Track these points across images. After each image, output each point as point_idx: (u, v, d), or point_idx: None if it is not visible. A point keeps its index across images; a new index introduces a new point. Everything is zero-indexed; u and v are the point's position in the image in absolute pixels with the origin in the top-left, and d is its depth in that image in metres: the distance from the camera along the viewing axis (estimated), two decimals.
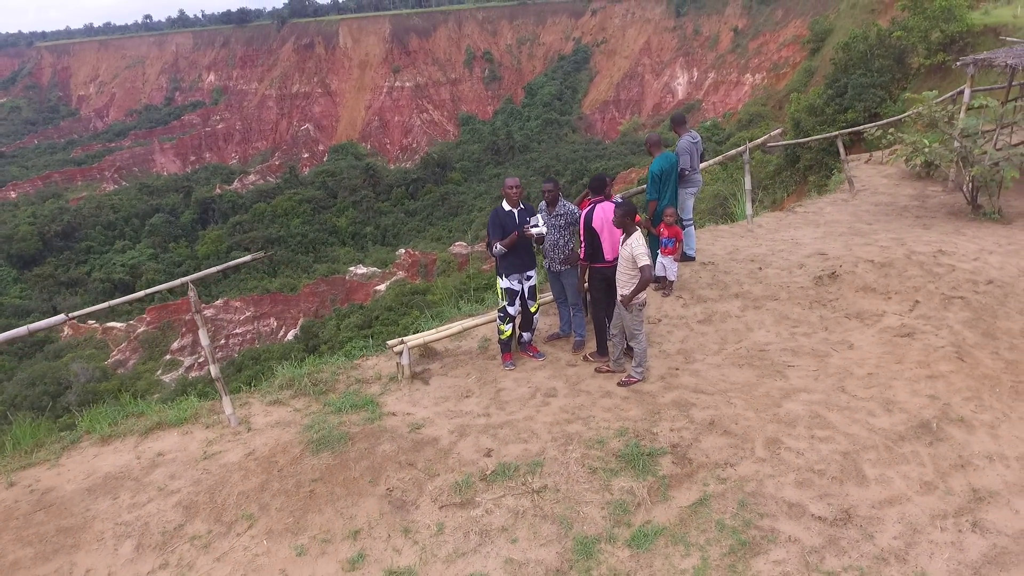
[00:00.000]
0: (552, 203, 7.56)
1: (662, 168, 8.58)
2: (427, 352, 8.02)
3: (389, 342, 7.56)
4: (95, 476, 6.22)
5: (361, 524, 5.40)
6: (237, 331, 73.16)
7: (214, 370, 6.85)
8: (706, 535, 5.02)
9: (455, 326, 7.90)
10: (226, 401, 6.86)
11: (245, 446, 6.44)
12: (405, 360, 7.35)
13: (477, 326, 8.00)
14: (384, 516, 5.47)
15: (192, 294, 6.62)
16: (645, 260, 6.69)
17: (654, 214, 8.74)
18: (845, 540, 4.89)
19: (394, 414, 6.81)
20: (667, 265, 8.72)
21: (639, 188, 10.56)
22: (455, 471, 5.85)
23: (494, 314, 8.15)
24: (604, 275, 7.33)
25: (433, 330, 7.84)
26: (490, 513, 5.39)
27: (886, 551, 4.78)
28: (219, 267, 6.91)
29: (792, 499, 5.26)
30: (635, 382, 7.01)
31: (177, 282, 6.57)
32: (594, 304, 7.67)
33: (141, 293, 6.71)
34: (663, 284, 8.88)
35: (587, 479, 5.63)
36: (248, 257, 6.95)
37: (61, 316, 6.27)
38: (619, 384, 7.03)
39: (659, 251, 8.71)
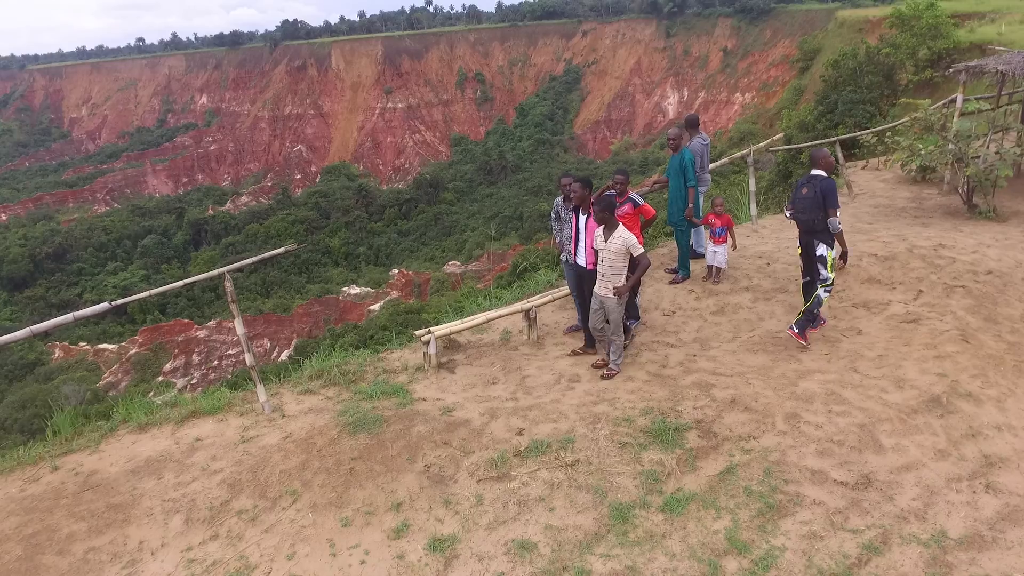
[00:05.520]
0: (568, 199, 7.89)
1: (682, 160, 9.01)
2: (451, 344, 8.28)
3: (417, 332, 7.83)
4: (137, 460, 6.41)
5: (403, 497, 5.62)
6: (230, 352, 72.86)
7: (249, 359, 7.07)
8: (735, 500, 5.28)
9: (479, 318, 8.18)
10: (260, 389, 7.09)
11: (281, 430, 6.65)
12: (432, 349, 7.61)
13: (500, 317, 8.27)
14: (424, 490, 5.70)
15: (228, 284, 6.84)
16: (641, 248, 7.07)
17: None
18: (867, 502, 5.17)
19: (424, 399, 7.06)
20: (719, 252, 9.08)
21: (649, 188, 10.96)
22: (489, 448, 6.09)
23: (516, 307, 8.45)
24: None
25: (458, 321, 8.12)
26: (526, 485, 5.63)
27: (906, 511, 5.06)
28: (254, 258, 7.17)
29: (814, 467, 5.54)
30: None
31: (215, 272, 6.80)
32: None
33: (180, 283, 6.94)
34: (711, 273, 9.27)
35: (617, 453, 5.89)
36: (282, 249, 7.21)
37: (104, 304, 6.49)
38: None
39: (711, 240, 9.11)
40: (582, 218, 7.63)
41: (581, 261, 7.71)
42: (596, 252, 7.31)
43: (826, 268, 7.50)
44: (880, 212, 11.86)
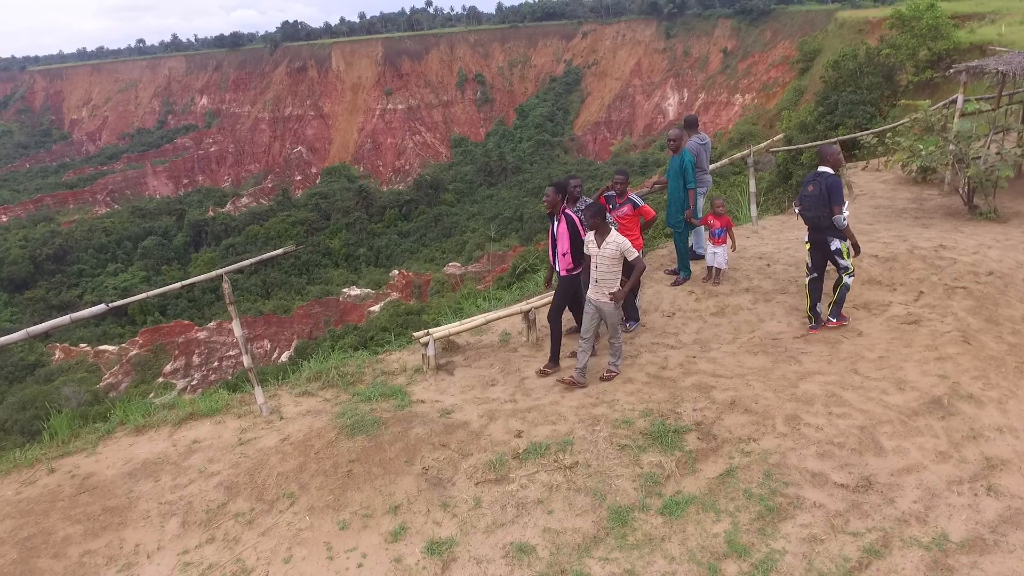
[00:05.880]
0: (575, 199, 7.84)
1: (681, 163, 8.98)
2: (449, 346, 8.25)
3: (415, 333, 7.81)
4: (134, 462, 6.39)
5: (400, 500, 5.60)
6: (231, 353, 72.81)
7: (247, 360, 7.06)
8: (735, 503, 5.25)
9: (477, 319, 8.15)
10: (258, 391, 7.06)
11: (279, 432, 6.63)
12: (431, 351, 7.58)
13: (499, 319, 8.24)
14: (422, 493, 5.67)
15: (226, 286, 6.81)
16: (636, 252, 6.98)
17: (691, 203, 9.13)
18: (867, 504, 5.13)
19: (423, 401, 7.03)
20: (718, 253, 9.06)
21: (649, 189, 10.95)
22: (488, 451, 6.06)
23: (515, 308, 8.42)
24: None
25: (457, 323, 8.09)
26: (525, 488, 5.60)
27: (907, 513, 5.03)
28: (252, 260, 7.15)
29: (815, 469, 5.51)
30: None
31: (213, 274, 6.78)
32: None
33: (178, 284, 6.92)
34: (711, 274, 9.23)
35: (617, 455, 5.86)
36: (280, 251, 7.19)
37: (102, 306, 6.48)
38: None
39: (710, 241, 9.12)
40: (554, 224, 7.43)
41: (557, 266, 7.54)
42: (588, 257, 7.15)
43: (843, 258, 7.75)
44: (880, 213, 11.83)
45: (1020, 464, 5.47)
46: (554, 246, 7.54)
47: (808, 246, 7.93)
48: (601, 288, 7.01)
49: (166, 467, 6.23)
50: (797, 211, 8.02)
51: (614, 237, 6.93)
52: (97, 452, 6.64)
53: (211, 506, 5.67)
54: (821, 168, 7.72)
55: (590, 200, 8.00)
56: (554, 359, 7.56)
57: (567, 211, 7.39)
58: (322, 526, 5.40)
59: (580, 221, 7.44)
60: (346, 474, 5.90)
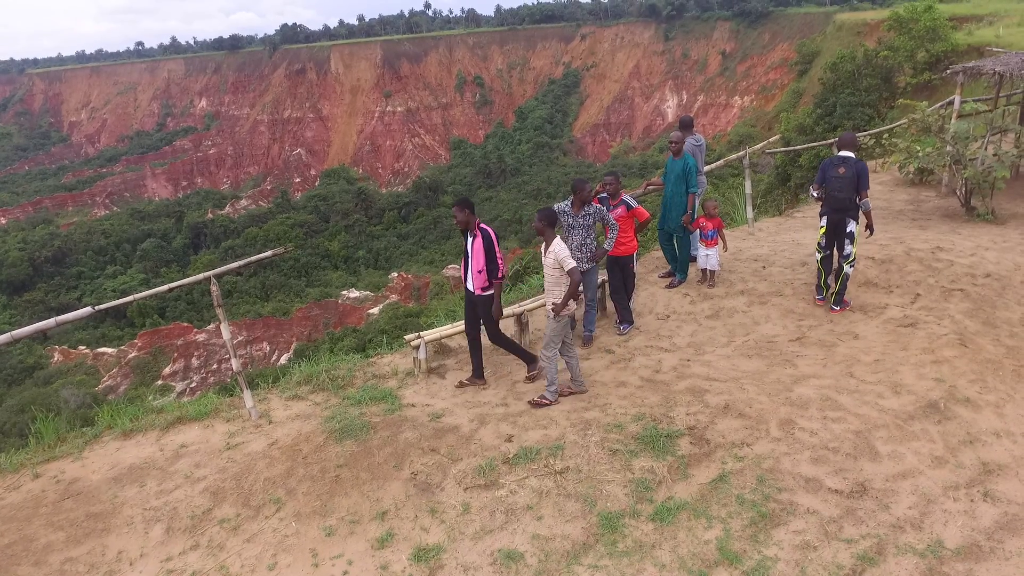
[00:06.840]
0: (585, 202, 7.72)
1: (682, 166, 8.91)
2: (441, 349, 8.17)
3: (407, 336, 7.72)
4: (120, 467, 6.30)
5: (388, 506, 5.51)
6: (229, 356, 72.61)
7: (235, 364, 6.98)
8: (727, 509, 5.17)
9: None
10: (247, 395, 6.97)
11: (268, 437, 6.54)
12: (422, 354, 7.50)
13: None
14: (410, 498, 5.59)
15: (215, 288, 6.73)
16: (571, 263, 6.60)
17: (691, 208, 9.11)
18: (862, 510, 5.05)
19: (413, 405, 6.95)
20: (711, 255, 9.02)
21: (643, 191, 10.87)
22: (477, 455, 5.98)
23: (507, 311, 8.32)
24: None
25: (448, 325, 8.00)
26: (514, 493, 5.51)
27: (902, 520, 4.94)
28: (241, 262, 7.06)
29: (809, 474, 5.43)
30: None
31: (200, 276, 6.69)
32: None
33: (165, 287, 6.83)
34: (706, 276, 9.17)
35: (608, 460, 5.77)
36: (270, 252, 7.09)
37: (88, 309, 6.38)
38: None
39: (702, 243, 9.09)
40: (469, 240, 7.14)
41: (470, 285, 7.21)
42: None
43: (852, 244, 8.07)
44: (877, 215, 11.71)
45: (1017, 469, 5.39)
46: (466, 264, 7.21)
47: (823, 230, 8.17)
48: (548, 299, 6.84)
49: (152, 472, 6.15)
50: (815, 194, 8.22)
51: (555, 246, 6.67)
52: (83, 457, 6.56)
53: (196, 512, 5.58)
54: (845, 152, 8.01)
55: (595, 204, 7.90)
56: (532, 362, 7.46)
57: (482, 225, 7.12)
58: (308, 532, 5.32)
59: (496, 237, 7.15)
60: (334, 479, 5.82)
